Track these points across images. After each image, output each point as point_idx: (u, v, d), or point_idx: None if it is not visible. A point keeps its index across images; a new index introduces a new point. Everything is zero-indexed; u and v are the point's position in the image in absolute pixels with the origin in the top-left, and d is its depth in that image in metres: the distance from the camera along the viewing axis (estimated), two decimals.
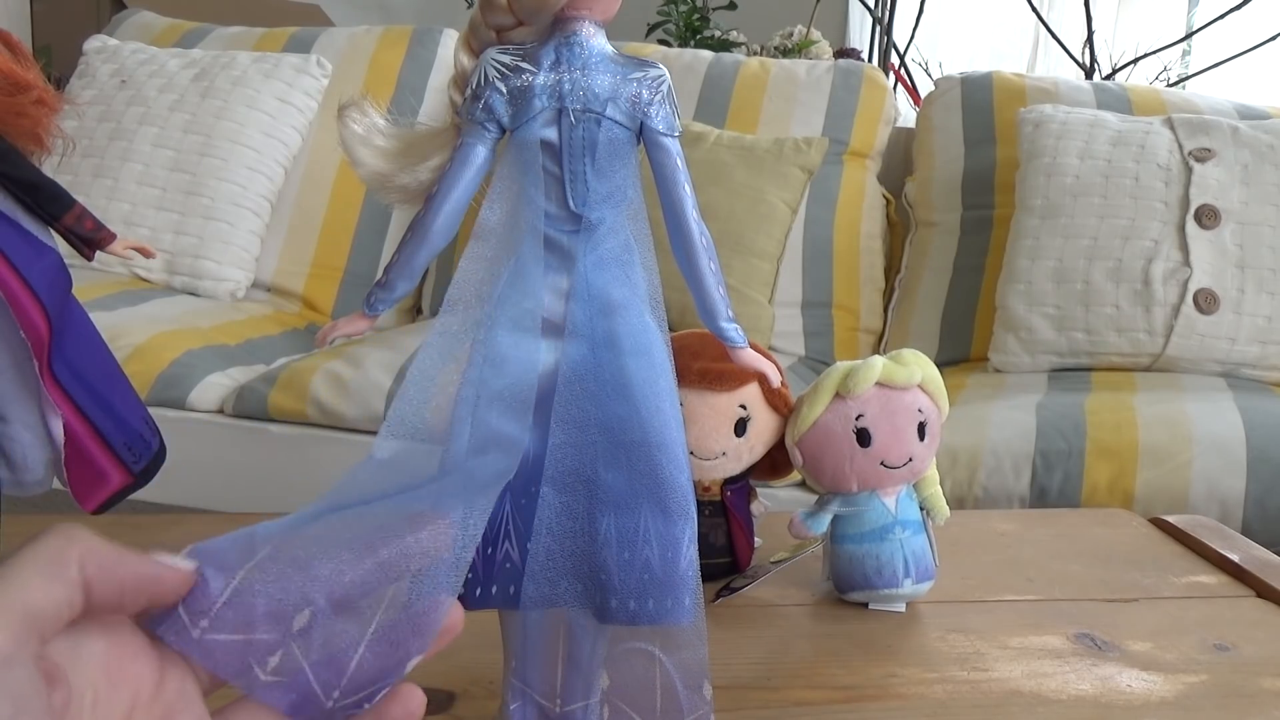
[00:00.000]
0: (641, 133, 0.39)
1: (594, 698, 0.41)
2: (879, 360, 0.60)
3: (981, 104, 1.73)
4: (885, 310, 1.69)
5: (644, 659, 0.41)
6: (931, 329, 1.59)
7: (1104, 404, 1.19)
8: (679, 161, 0.39)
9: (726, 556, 0.65)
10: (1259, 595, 0.65)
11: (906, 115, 2.05)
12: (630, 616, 0.38)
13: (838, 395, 0.60)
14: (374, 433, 0.37)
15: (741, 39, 2.35)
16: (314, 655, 0.30)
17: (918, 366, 0.60)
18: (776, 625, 0.59)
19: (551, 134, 0.38)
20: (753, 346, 0.43)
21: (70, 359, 0.56)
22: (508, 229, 0.38)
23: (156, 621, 0.29)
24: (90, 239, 0.59)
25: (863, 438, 0.59)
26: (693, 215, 0.40)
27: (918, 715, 0.50)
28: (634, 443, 0.38)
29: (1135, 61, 2.44)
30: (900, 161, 1.81)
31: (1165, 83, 2.50)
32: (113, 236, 0.61)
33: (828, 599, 0.63)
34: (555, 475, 0.38)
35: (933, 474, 0.62)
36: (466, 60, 0.40)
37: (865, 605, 0.61)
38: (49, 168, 0.56)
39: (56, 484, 0.57)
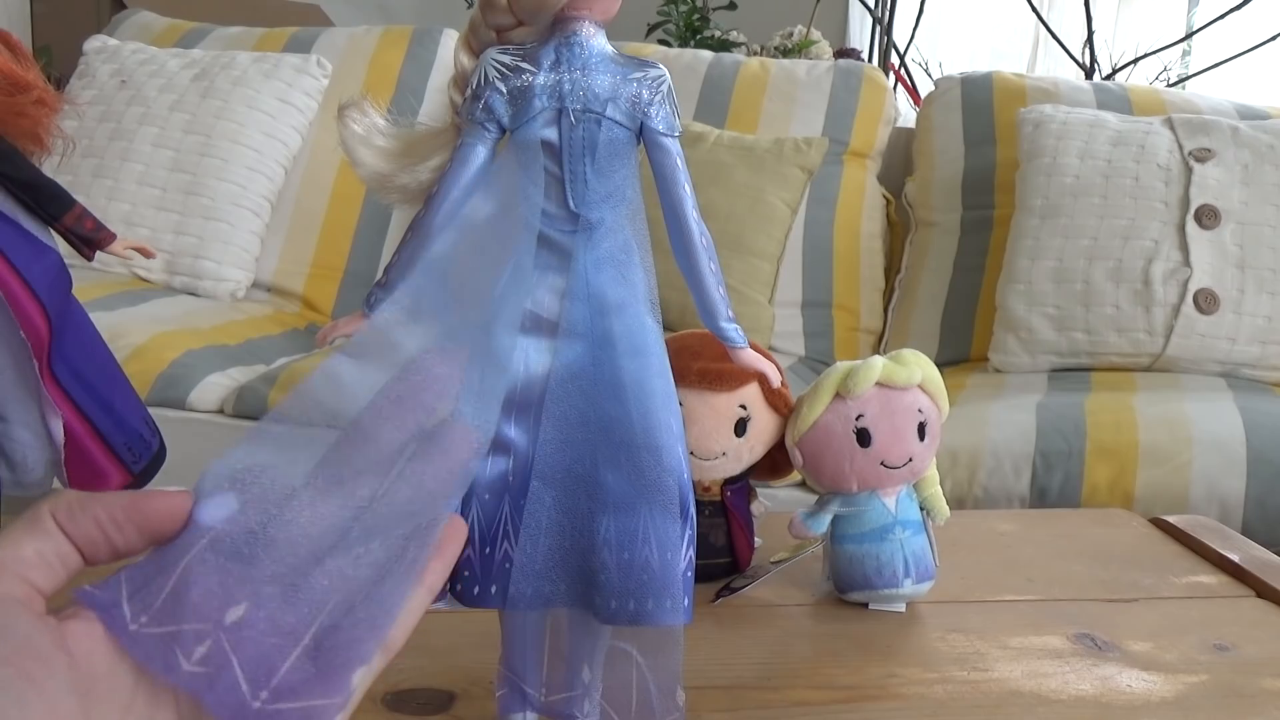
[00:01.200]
0: (641, 133, 0.39)
1: (579, 690, 0.41)
2: (879, 360, 0.60)
3: (981, 104, 1.73)
4: (885, 310, 1.69)
5: (623, 659, 0.41)
6: (931, 329, 1.59)
7: (1104, 404, 1.19)
8: (679, 161, 0.39)
9: (726, 556, 0.65)
10: (1259, 595, 0.65)
11: (906, 115, 2.05)
12: (630, 617, 0.38)
13: (838, 395, 0.60)
14: None
15: (741, 39, 2.35)
16: (245, 651, 0.29)
17: (918, 366, 0.60)
18: (776, 625, 0.59)
19: (552, 134, 0.38)
20: (753, 346, 0.43)
21: (70, 359, 0.56)
22: (503, 227, 0.38)
23: (103, 605, 0.29)
24: (90, 239, 0.59)
25: (863, 438, 0.59)
26: (693, 215, 0.40)
27: (918, 715, 0.50)
28: (629, 443, 0.38)
29: (1135, 61, 2.44)
30: (900, 161, 1.81)
31: (1165, 83, 2.50)
32: (113, 236, 0.61)
33: (828, 599, 0.63)
34: (550, 473, 0.38)
35: (933, 474, 0.62)
36: (466, 60, 0.40)
37: (865, 605, 0.61)
38: (49, 168, 0.56)
39: (56, 484, 0.57)
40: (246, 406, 1.28)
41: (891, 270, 1.74)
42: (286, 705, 0.28)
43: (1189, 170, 1.41)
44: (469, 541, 0.38)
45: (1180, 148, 1.43)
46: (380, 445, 0.32)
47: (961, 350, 1.56)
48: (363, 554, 0.31)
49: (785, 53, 2.27)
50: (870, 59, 2.59)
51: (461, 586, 0.39)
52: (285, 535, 0.30)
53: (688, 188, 0.39)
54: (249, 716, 0.28)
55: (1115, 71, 2.44)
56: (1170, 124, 1.48)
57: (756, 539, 0.67)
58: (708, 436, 0.61)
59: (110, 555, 0.30)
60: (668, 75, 0.39)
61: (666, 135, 0.39)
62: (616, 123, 0.38)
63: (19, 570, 0.28)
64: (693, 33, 2.35)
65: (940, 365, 0.70)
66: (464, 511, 0.38)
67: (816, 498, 0.62)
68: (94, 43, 1.79)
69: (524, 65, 0.38)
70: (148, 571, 0.29)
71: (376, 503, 0.32)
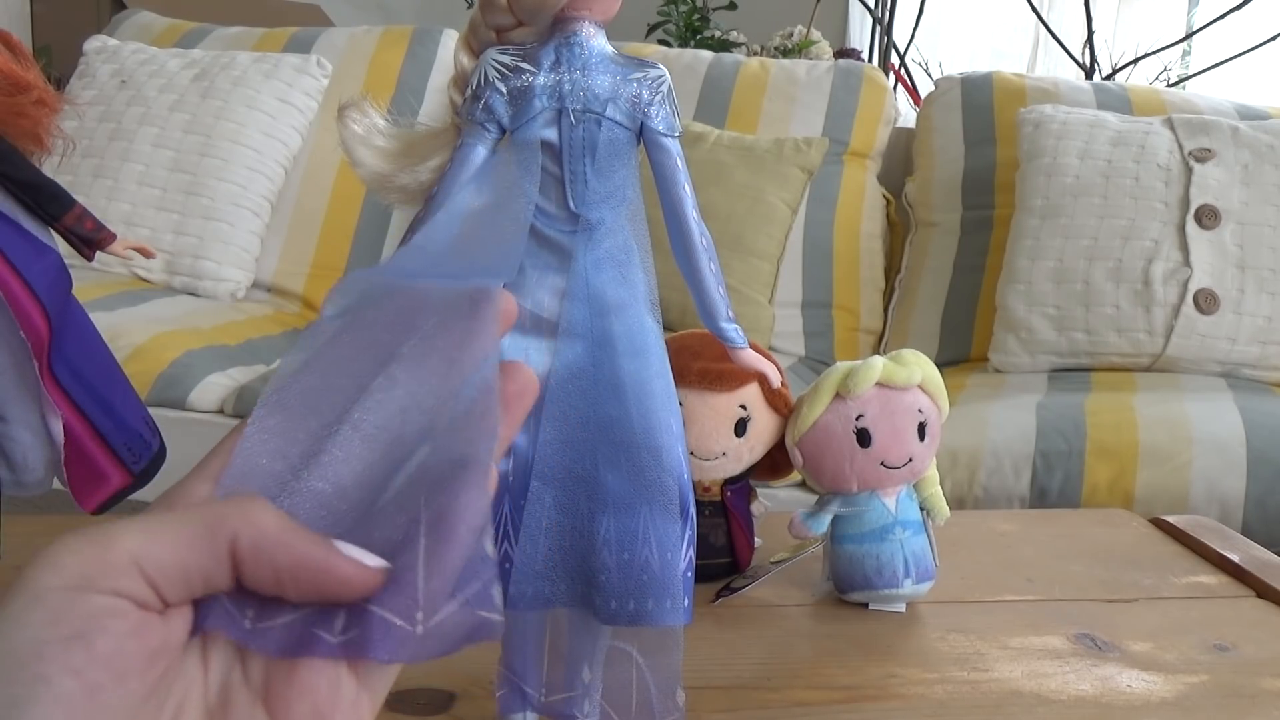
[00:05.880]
0: (641, 133, 0.39)
1: (579, 690, 0.41)
2: (879, 360, 0.60)
3: (981, 104, 1.73)
4: (885, 310, 1.69)
5: (623, 659, 0.41)
6: (931, 329, 1.59)
7: (1104, 404, 1.19)
8: (679, 162, 0.39)
9: (726, 556, 0.65)
10: (1259, 595, 0.65)
11: (906, 115, 2.05)
12: (630, 617, 0.38)
13: (838, 395, 0.60)
14: None
15: (741, 39, 2.35)
16: (378, 598, 0.27)
17: (918, 366, 0.60)
18: (776, 625, 0.59)
19: (551, 134, 0.38)
20: (753, 347, 0.43)
21: (70, 359, 0.56)
22: (496, 220, 0.38)
23: (203, 614, 0.27)
24: (90, 239, 0.59)
25: (863, 438, 0.59)
26: (693, 215, 0.40)
27: (918, 715, 0.50)
28: (628, 444, 0.38)
29: (1135, 62, 2.44)
30: (900, 161, 1.81)
31: (1165, 83, 2.50)
32: (113, 237, 0.61)
33: (828, 599, 0.63)
34: (550, 473, 0.38)
35: (933, 474, 0.62)
36: (466, 60, 0.40)
37: (865, 605, 0.61)
38: (49, 168, 0.56)
39: (56, 484, 0.57)
40: (246, 407, 1.28)
41: (891, 270, 1.74)
42: (446, 611, 0.27)
43: (1189, 170, 1.41)
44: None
45: (1180, 148, 1.43)
46: (437, 378, 0.30)
47: (961, 350, 1.56)
48: (412, 470, 0.29)
49: (785, 53, 2.28)
50: (870, 59, 2.59)
51: None
52: (331, 476, 0.29)
53: (688, 188, 0.39)
54: (417, 643, 0.26)
55: (1115, 71, 2.44)
56: (1170, 124, 1.48)
57: (756, 539, 0.67)
58: (708, 436, 0.61)
59: (269, 591, 0.27)
60: (668, 75, 0.39)
61: (666, 135, 0.39)
62: (616, 123, 0.38)
63: (150, 572, 0.24)
64: (693, 33, 2.35)
65: (940, 365, 0.70)
66: None
67: (816, 498, 0.62)
68: (94, 43, 1.79)
69: (524, 65, 0.38)
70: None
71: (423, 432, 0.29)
